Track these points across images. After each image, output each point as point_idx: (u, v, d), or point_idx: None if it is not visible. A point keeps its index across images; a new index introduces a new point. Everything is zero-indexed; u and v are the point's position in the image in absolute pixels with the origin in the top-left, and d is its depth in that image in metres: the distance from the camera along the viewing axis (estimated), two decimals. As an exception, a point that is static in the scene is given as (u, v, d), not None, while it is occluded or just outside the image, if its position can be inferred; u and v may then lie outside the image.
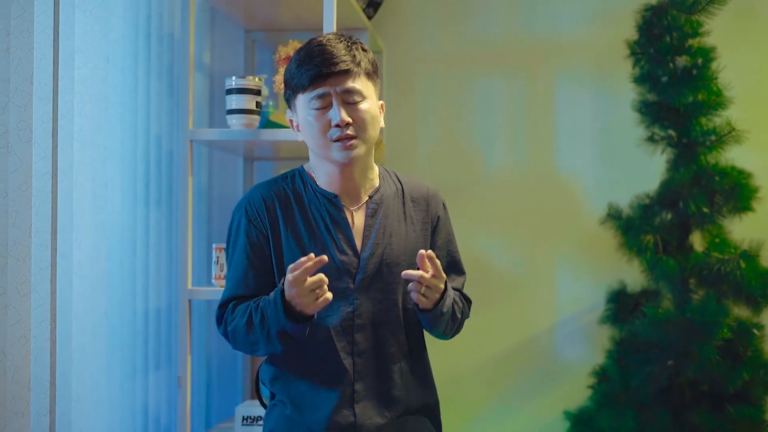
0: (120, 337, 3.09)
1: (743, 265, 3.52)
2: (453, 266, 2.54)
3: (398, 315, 2.39)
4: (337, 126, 2.29)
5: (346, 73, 2.29)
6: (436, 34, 4.25)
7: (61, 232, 2.67)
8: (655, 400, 3.58)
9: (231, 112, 3.16)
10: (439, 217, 2.50)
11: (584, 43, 4.19)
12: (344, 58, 2.29)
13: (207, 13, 3.82)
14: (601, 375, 3.83)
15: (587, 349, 4.11)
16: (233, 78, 3.16)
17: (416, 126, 4.24)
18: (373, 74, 2.38)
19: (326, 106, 2.30)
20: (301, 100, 2.34)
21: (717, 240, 3.65)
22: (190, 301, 3.18)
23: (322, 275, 2.17)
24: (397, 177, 2.51)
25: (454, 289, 2.49)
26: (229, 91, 3.16)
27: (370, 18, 4.03)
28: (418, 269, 2.29)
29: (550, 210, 4.20)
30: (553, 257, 4.23)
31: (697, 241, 3.70)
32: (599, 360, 3.89)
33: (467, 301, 2.55)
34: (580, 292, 4.17)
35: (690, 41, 3.66)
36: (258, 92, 3.16)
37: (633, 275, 3.82)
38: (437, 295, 2.29)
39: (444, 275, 2.30)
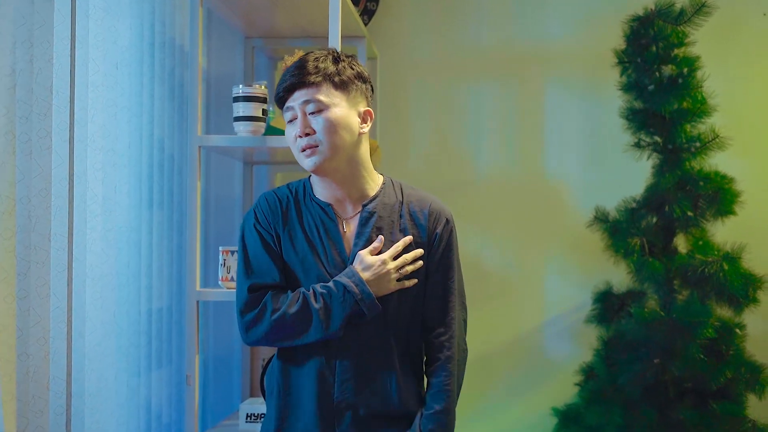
0: (126, 336, 3.14)
1: (726, 267, 3.57)
2: (444, 296, 2.51)
3: (383, 321, 2.45)
4: (300, 136, 2.41)
5: (306, 86, 2.40)
6: (428, 41, 4.30)
7: (76, 236, 2.73)
8: (641, 398, 3.63)
9: (238, 119, 3.20)
10: (437, 233, 2.51)
11: (572, 51, 4.24)
12: (306, 71, 2.41)
13: (204, 19, 3.83)
14: (588, 373, 3.89)
15: (574, 347, 4.17)
16: (240, 86, 3.20)
17: (409, 129, 4.29)
18: (344, 84, 2.44)
19: (294, 119, 2.42)
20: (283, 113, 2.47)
21: (700, 242, 3.70)
22: (198, 302, 3.23)
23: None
24: (401, 189, 2.55)
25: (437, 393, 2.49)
26: (236, 99, 3.19)
27: (365, 25, 4.08)
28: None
29: (539, 212, 4.25)
30: (541, 258, 4.27)
31: (681, 243, 3.75)
32: (586, 358, 3.95)
33: (459, 370, 2.53)
34: (568, 292, 4.22)
35: (676, 51, 3.70)
36: (264, 100, 3.20)
37: (618, 276, 3.87)
38: None
39: None
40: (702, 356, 3.54)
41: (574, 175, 4.24)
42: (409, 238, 2.47)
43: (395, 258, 2.44)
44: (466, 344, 2.57)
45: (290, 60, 3.21)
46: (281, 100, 2.46)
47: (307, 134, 2.41)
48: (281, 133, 3.35)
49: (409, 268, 2.46)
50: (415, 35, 4.31)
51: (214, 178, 3.97)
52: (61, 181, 2.65)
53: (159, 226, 3.41)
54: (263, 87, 3.23)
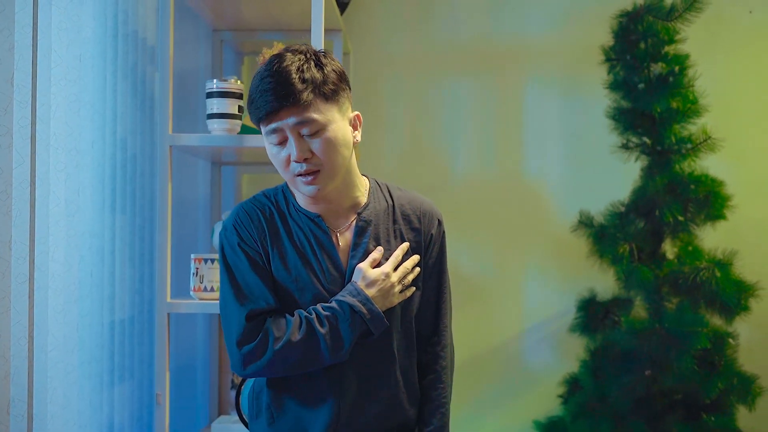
0: (89, 350, 2.92)
1: (718, 274, 3.45)
2: (437, 302, 2.37)
3: (387, 335, 2.27)
4: (296, 161, 2.14)
5: (297, 105, 2.10)
6: (403, 35, 4.13)
7: (38, 243, 2.51)
8: (630, 411, 3.50)
9: (212, 116, 2.99)
10: (432, 235, 2.34)
11: (553, 48, 4.11)
12: (293, 88, 2.09)
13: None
14: (573, 384, 3.75)
15: (556, 357, 4.05)
16: (214, 81, 2.99)
17: (383, 128, 4.11)
18: (335, 93, 2.16)
19: (283, 141, 2.14)
20: (262, 130, 2.17)
21: (690, 248, 3.58)
22: (168, 314, 3.00)
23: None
24: (389, 191, 2.36)
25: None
26: (210, 95, 2.98)
27: (338, 18, 3.89)
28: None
29: (518, 215, 4.11)
30: (520, 263, 4.13)
31: (668, 249, 3.64)
32: (568, 368, 3.83)
33: (452, 377, 2.42)
34: (548, 299, 4.09)
35: (666, 48, 3.58)
36: (240, 96, 2.99)
37: (602, 283, 3.74)
38: None
39: None
40: (696, 368, 3.41)
41: (554, 177, 4.11)
42: (406, 245, 2.28)
43: (395, 268, 2.25)
44: (453, 346, 2.46)
45: (269, 54, 2.99)
46: (260, 122, 2.16)
47: (305, 159, 2.14)
48: (255, 132, 3.15)
49: (410, 278, 2.28)
50: (390, 29, 4.14)
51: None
52: (22, 182, 2.43)
53: (122, 232, 3.19)
54: (239, 82, 3.01)
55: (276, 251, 2.22)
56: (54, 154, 2.62)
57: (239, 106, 3.00)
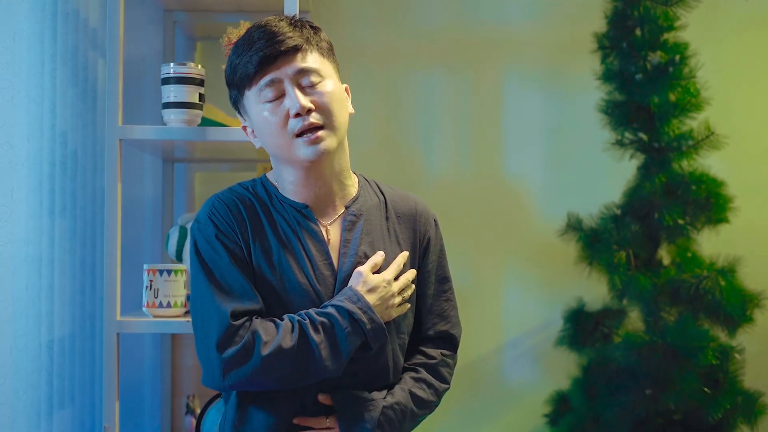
0: (25, 376, 2.62)
1: (723, 282, 3.23)
2: (447, 309, 2.22)
3: (381, 347, 2.05)
4: (297, 115, 1.96)
5: (295, 51, 1.99)
6: (373, 23, 3.92)
7: None
8: None
9: (168, 105, 2.67)
10: (429, 238, 2.18)
11: (536, 35, 3.91)
12: (289, 34, 1.99)
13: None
14: (560, 403, 3.52)
15: (539, 373, 3.84)
16: (171, 65, 2.67)
17: (351, 123, 3.81)
18: (328, 53, 2.08)
19: (280, 96, 1.98)
20: (250, 97, 2.00)
21: (689, 254, 3.38)
22: (118, 335, 2.65)
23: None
24: (379, 188, 2.20)
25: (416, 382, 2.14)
26: (166, 81, 2.66)
27: (301, 3, 3.61)
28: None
29: (498, 218, 3.90)
30: (500, 270, 3.94)
31: (664, 255, 3.44)
32: (552, 385, 3.64)
33: (441, 379, 2.20)
34: (531, 309, 3.89)
35: (665, 35, 3.38)
36: (201, 82, 2.67)
37: (589, 291, 3.55)
38: None
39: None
40: (704, 388, 3.21)
41: (537, 177, 3.92)
42: (406, 254, 2.09)
43: (396, 277, 2.06)
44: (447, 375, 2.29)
45: (235, 33, 2.66)
46: (252, 78, 1.97)
47: (308, 111, 1.96)
48: (215, 124, 2.81)
49: (409, 293, 2.08)
50: (358, 16, 3.91)
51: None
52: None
53: (61, 238, 2.88)
54: (199, 66, 2.68)
55: (258, 245, 1.99)
56: (-16, 148, 2.32)
57: (200, 94, 2.69)
